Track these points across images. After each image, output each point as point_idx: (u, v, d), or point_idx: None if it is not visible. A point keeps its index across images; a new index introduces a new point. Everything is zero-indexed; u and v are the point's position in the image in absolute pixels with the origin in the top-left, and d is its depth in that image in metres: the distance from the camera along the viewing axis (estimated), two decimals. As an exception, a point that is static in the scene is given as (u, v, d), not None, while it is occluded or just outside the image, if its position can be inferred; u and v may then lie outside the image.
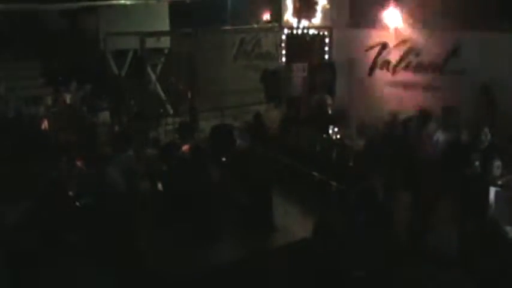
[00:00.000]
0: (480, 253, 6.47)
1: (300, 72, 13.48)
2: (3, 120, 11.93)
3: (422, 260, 7.18)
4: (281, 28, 14.17)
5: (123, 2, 15.25)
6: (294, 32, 13.85)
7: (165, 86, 16.13)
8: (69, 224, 7.56)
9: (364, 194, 6.82)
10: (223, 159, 9.42)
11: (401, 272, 6.51)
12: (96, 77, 14.40)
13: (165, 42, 15.94)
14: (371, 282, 6.14)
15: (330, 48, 13.37)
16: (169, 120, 13.62)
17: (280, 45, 14.25)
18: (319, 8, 13.51)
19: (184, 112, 13.35)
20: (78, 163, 8.58)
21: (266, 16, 14.90)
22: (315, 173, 9.88)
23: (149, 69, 15.15)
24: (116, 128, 12.53)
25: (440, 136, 8.30)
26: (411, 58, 11.75)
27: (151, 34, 13.64)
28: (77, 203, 7.92)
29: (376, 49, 12.43)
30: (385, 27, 12.15)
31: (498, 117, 9.66)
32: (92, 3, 15.14)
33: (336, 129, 11.52)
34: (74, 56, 15.97)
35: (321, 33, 13.48)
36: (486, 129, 7.29)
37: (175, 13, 16.65)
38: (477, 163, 7.16)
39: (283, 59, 14.15)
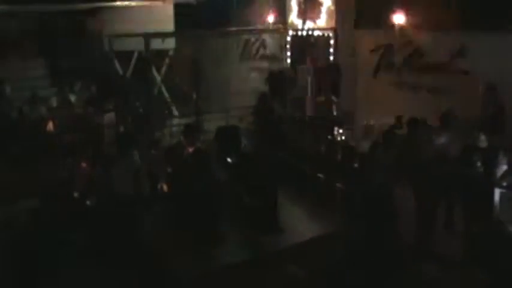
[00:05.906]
0: (486, 254, 6.45)
1: (305, 73, 13.48)
2: (8, 121, 11.94)
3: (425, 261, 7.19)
4: (286, 30, 14.18)
5: (127, 3, 15.27)
6: (299, 33, 13.85)
7: (170, 87, 16.14)
8: (74, 225, 7.58)
9: None
10: (229, 160, 9.43)
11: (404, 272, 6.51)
12: (101, 78, 14.41)
13: (170, 43, 15.94)
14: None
15: (335, 49, 13.38)
16: (175, 121, 13.63)
17: (285, 47, 14.25)
18: (324, 9, 13.52)
19: (189, 113, 13.34)
20: (83, 164, 8.59)
21: (271, 18, 14.86)
22: (320, 174, 9.88)
23: (154, 71, 15.17)
24: (121, 129, 12.53)
25: (441, 138, 8.23)
26: (416, 59, 11.73)
27: (156, 35, 13.64)
28: (82, 204, 7.93)
29: (381, 50, 12.42)
30: (390, 29, 12.14)
31: (505, 117, 9.62)
32: (97, 4, 15.16)
33: (340, 131, 11.52)
34: (79, 56, 15.98)
35: (326, 34, 13.48)
36: (482, 133, 7.30)
37: (180, 14, 16.64)
38: (479, 163, 7.13)
39: (288, 61, 14.15)
